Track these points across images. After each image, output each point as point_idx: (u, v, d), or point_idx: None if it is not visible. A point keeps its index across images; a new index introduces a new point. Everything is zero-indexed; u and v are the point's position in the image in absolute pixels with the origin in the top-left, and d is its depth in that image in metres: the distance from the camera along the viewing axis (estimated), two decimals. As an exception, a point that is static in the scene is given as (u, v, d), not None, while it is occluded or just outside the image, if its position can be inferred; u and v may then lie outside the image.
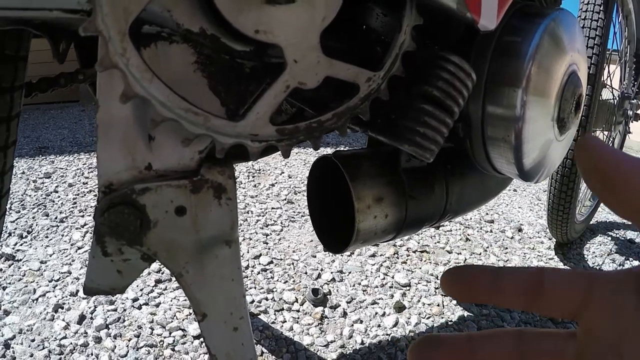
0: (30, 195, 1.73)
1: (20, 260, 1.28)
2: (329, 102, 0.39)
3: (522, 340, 0.22)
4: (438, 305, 1.22)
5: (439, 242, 1.58)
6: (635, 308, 0.19)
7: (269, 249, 1.43)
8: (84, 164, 2.14)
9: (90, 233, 1.44)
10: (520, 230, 1.80)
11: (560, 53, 0.52)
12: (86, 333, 0.99)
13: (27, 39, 0.55)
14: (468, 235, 1.68)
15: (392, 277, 1.32)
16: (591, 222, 1.95)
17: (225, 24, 0.33)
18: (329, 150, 2.58)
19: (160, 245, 0.38)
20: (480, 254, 1.54)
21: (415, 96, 0.40)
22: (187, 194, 0.37)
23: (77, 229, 1.47)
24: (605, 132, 1.72)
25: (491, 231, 1.75)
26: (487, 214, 1.94)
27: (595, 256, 1.65)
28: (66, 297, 1.12)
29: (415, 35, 0.39)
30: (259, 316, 1.10)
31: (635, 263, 1.61)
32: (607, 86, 1.57)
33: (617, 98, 1.64)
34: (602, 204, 2.03)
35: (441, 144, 0.42)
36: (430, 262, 1.44)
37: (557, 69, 0.52)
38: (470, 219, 1.85)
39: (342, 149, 0.58)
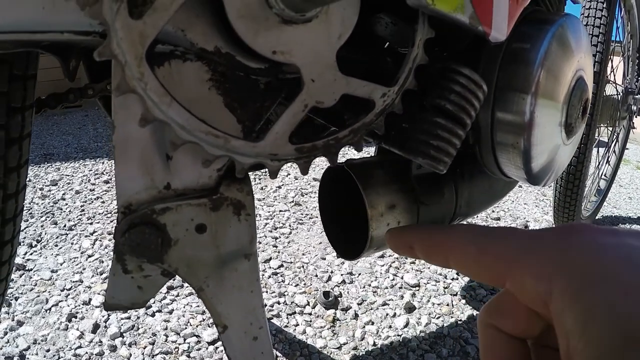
0: (37, 204, 1.74)
1: (31, 269, 1.28)
2: (341, 114, 0.40)
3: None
4: (447, 304, 1.22)
5: (446, 241, 1.58)
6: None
7: (279, 252, 1.43)
8: (90, 171, 2.14)
9: (100, 240, 1.45)
10: (526, 227, 1.80)
11: (568, 59, 0.53)
12: (101, 342, 1.00)
13: (35, 58, 0.56)
14: (475, 233, 1.68)
15: (402, 278, 1.32)
16: (597, 217, 1.95)
17: (241, 43, 0.34)
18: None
19: (181, 261, 0.39)
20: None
21: (428, 109, 0.41)
22: (207, 212, 0.38)
23: (86, 236, 1.48)
24: (610, 128, 1.72)
25: (498, 228, 1.74)
26: (493, 211, 1.94)
27: (603, 251, 1.65)
28: (79, 306, 1.13)
29: (426, 47, 0.39)
30: (271, 320, 1.11)
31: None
32: (611, 82, 1.56)
33: (621, 93, 1.64)
34: (608, 198, 2.03)
35: (454, 155, 0.42)
36: (438, 262, 1.44)
37: (565, 74, 0.52)
38: (477, 216, 1.85)
39: (351, 157, 0.58)
